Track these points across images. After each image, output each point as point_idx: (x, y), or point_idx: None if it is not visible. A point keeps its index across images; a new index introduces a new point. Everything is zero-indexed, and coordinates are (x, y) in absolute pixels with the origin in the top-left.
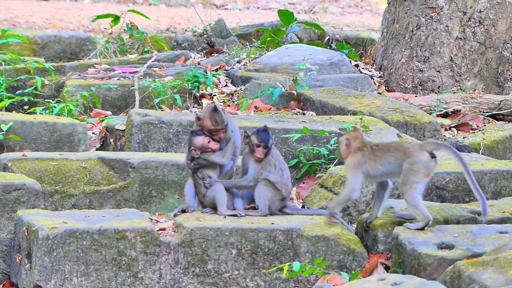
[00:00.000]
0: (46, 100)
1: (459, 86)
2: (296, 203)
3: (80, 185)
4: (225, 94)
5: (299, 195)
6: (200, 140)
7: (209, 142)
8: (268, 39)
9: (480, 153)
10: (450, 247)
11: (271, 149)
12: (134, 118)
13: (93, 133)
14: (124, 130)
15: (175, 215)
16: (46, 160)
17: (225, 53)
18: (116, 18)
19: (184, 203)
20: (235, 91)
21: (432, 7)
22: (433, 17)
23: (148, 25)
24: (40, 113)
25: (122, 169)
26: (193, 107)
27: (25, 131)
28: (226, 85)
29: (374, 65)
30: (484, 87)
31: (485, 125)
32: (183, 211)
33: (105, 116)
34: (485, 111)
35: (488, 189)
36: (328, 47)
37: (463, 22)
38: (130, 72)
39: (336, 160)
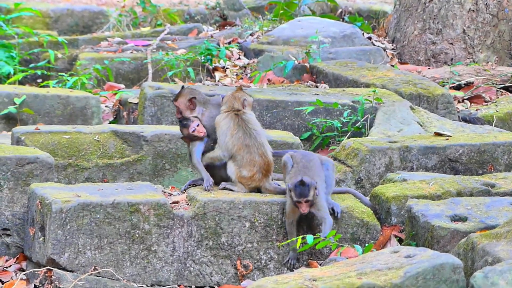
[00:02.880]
0: (59, 74)
1: (471, 58)
2: None
3: (93, 158)
4: (238, 67)
5: None
6: (185, 130)
7: (193, 131)
8: (281, 11)
9: (493, 125)
10: (463, 219)
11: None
12: (147, 91)
13: (106, 106)
14: (137, 103)
15: (185, 189)
16: (59, 134)
17: (238, 26)
18: None
19: (195, 177)
20: (248, 64)
21: None
22: None
23: None
24: (53, 87)
25: (135, 142)
26: (206, 80)
27: (38, 104)
28: (239, 58)
29: (387, 37)
30: (496, 59)
31: (498, 97)
32: (194, 185)
33: (118, 89)
34: (498, 83)
35: (501, 161)
36: (341, 19)
37: None
38: (143, 45)
39: (349, 133)
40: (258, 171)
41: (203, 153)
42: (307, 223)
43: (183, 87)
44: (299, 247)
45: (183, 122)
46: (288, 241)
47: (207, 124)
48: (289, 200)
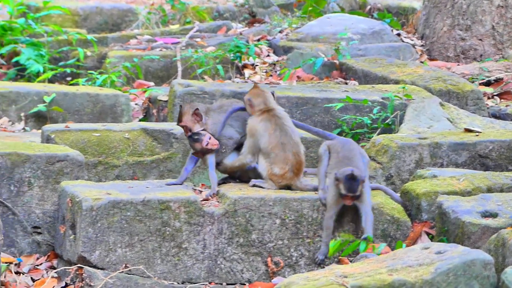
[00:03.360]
0: (88, 72)
1: (501, 54)
2: None
3: (123, 156)
4: (267, 64)
5: None
6: (198, 145)
7: (207, 144)
8: (310, 8)
9: None
10: (493, 215)
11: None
12: (177, 89)
13: (136, 104)
14: (166, 100)
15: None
16: (89, 131)
17: (267, 23)
18: None
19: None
20: (277, 61)
21: None
22: None
23: None
24: (83, 84)
25: (165, 139)
26: (236, 77)
27: (68, 102)
28: (268, 55)
29: (416, 34)
30: None
31: None
32: (224, 183)
33: (147, 87)
34: None
35: None
36: (370, 16)
37: None
38: (172, 43)
39: (379, 129)
40: (290, 169)
41: (219, 163)
42: (351, 217)
43: (180, 106)
44: (334, 250)
45: (193, 137)
46: (324, 236)
47: (212, 130)
48: (333, 191)
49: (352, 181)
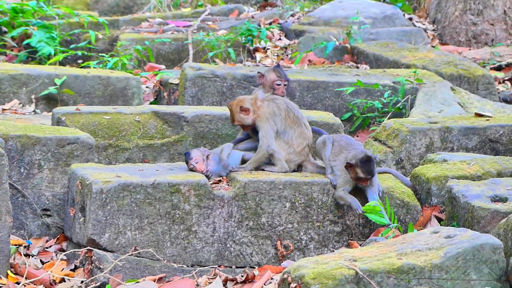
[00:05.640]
0: (99, 54)
1: None
2: None
3: (133, 138)
4: (278, 47)
5: None
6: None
7: (192, 167)
8: None
9: None
10: (503, 200)
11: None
12: (188, 72)
13: (146, 87)
14: (177, 84)
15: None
16: (100, 114)
17: (279, 6)
18: None
19: None
20: (288, 44)
21: None
22: None
23: None
24: (94, 67)
25: (176, 122)
26: (247, 60)
27: (79, 85)
28: (280, 39)
29: (428, 18)
30: None
31: None
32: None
33: (158, 70)
34: None
35: None
36: (382, 0)
37: None
38: (184, 26)
39: (390, 114)
40: (307, 144)
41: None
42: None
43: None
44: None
45: (186, 156)
46: (345, 201)
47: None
48: (344, 176)
49: (368, 162)
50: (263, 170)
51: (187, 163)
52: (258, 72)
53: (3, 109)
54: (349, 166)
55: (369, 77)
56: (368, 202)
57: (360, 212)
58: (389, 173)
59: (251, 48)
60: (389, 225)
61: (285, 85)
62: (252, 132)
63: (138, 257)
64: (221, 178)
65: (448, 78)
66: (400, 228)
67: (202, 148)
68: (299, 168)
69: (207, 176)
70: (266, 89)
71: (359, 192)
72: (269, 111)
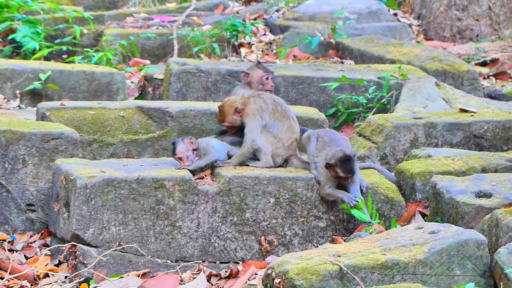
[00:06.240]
0: (84, 49)
1: (497, 34)
2: None
3: (118, 134)
4: (263, 43)
5: None
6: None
7: (181, 159)
8: None
9: None
10: (488, 195)
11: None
12: (173, 67)
13: (131, 82)
14: (162, 79)
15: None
16: (85, 109)
17: (264, 1)
18: None
19: None
20: (273, 40)
21: None
22: None
23: None
24: (79, 62)
25: (161, 118)
26: (232, 56)
27: (64, 80)
28: (265, 34)
29: (413, 13)
30: None
31: None
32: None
33: (143, 65)
34: None
35: None
36: None
37: None
38: (169, 21)
39: (375, 109)
40: (295, 138)
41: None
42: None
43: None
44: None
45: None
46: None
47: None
48: (326, 173)
49: (347, 162)
50: (247, 165)
51: (172, 155)
52: (243, 72)
53: None
54: (328, 166)
55: (354, 72)
56: None
57: (354, 203)
58: (374, 168)
59: (236, 43)
60: (370, 222)
61: (271, 78)
62: (238, 132)
63: (122, 252)
64: (205, 174)
65: (433, 74)
66: (383, 224)
67: (189, 138)
68: (285, 163)
69: (192, 172)
70: (254, 86)
71: (342, 188)
72: (255, 107)
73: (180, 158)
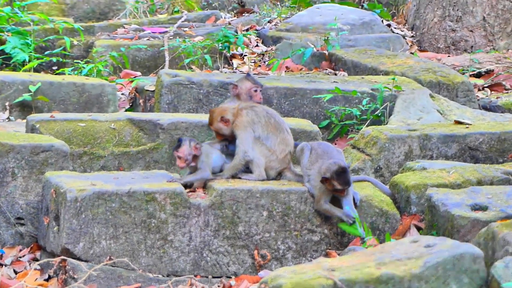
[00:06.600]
0: (75, 61)
1: (492, 45)
2: None
3: (109, 146)
4: (255, 54)
5: None
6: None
7: (180, 158)
8: None
9: None
10: (483, 208)
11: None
12: (164, 79)
13: (122, 94)
14: (153, 91)
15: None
16: (75, 121)
17: (256, 13)
18: None
19: None
20: (266, 51)
21: None
22: None
23: None
24: (69, 74)
25: (152, 130)
26: (224, 67)
27: (54, 92)
28: (257, 45)
29: (406, 24)
30: None
31: None
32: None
33: (134, 77)
34: None
35: None
36: (360, 6)
37: None
38: (160, 32)
39: (368, 121)
40: (289, 151)
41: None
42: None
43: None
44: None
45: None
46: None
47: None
48: (320, 186)
49: (344, 174)
50: (239, 178)
51: (173, 149)
52: (231, 84)
53: None
54: (324, 180)
55: (347, 84)
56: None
57: (352, 222)
58: (368, 181)
59: (228, 54)
60: (363, 238)
61: (260, 91)
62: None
63: (113, 266)
64: (196, 188)
65: (427, 85)
66: (377, 239)
67: (196, 143)
68: (278, 175)
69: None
70: (242, 98)
71: (335, 200)
72: (247, 120)
73: (179, 157)
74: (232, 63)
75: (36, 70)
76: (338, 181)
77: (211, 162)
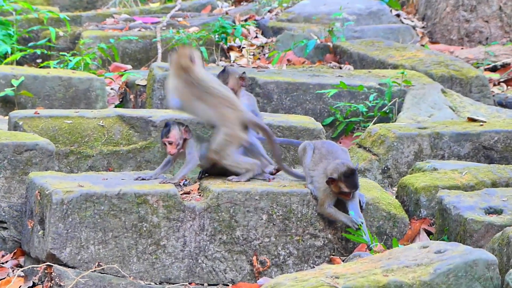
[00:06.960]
0: (60, 53)
1: (508, 37)
2: None
3: (97, 145)
4: (255, 46)
5: None
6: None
7: (171, 144)
8: None
9: None
10: (498, 212)
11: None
12: (156, 73)
13: (111, 89)
14: (145, 85)
15: (200, 178)
16: (61, 118)
17: (255, 1)
18: None
19: None
20: (266, 43)
21: None
22: None
23: None
24: (54, 67)
25: (143, 127)
26: (220, 60)
27: (38, 86)
28: (256, 37)
29: (417, 14)
30: None
31: None
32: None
33: (124, 70)
34: None
35: None
36: None
37: None
38: (152, 23)
39: (376, 118)
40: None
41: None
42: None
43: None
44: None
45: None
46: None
47: None
48: (324, 188)
49: (352, 176)
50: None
51: (162, 136)
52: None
53: None
54: (331, 181)
55: (353, 78)
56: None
57: (357, 228)
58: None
59: (225, 46)
60: (369, 245)
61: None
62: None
63: (101, 273)
64: (191, 189)
65: (439, 80)
66: (384, 246)
67: (185, 126)
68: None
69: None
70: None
71: (339, 203)
72: None
73: (170, 143)
74: (230, 56)
75: (19, 63)
76: (345, 184)
77: (199, 147)
